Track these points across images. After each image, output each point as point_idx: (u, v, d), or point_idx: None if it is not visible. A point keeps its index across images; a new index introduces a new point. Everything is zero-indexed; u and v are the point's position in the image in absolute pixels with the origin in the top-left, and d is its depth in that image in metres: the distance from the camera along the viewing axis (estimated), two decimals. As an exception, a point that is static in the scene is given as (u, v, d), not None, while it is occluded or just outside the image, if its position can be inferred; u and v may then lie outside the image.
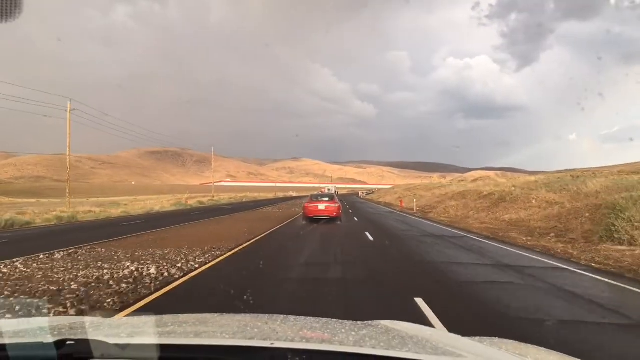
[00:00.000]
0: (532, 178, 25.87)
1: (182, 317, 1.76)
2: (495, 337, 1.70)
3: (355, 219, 21.13)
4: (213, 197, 54.64)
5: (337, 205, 18.41)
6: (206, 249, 9.94)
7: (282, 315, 1.78)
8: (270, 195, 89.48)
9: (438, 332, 2.19)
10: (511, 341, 1.68)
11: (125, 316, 4.30)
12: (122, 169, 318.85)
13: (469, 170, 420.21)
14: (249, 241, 11.54)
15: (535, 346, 1.67)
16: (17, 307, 4.31)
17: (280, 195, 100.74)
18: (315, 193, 26.16)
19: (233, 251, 9.69)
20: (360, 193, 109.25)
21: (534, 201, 19.06)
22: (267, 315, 1.79)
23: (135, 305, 5.00)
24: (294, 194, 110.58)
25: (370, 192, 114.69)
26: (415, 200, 34.76)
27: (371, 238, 12.52)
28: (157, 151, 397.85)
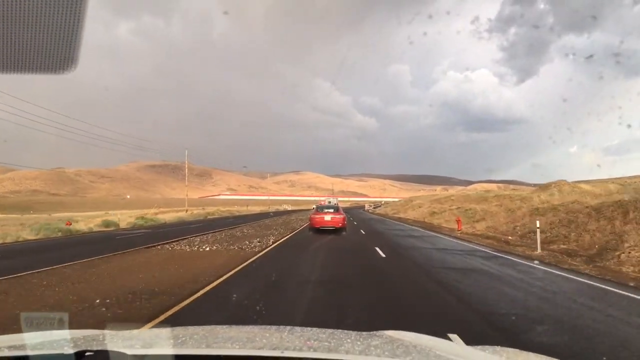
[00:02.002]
0: None
1: (192, 329, 1.76)
2: (498, 346, 1.75)
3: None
4: (186, 211, 52.60)
5: (342, 216, 19.58)
6: None
7: (288, 327, 1.79)
8: (258, 210, 78.18)
9: (441, 341, 1.82)
10: (513, 349, 1.75)
11: (140, 329, 3.80)
12: (121, 182, 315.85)
13: (471, 182, 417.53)
14: None
15: (537, 354, 1.72)
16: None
17: (274, 208, 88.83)
18: (320, 204, 25.30)
19: None
20: (366, 206, 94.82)
21: None
22: (275, 326, 1.81)
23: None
24: (289, 207, 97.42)
25: (378, 205, 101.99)
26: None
27: None
28: (156, 165, 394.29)
